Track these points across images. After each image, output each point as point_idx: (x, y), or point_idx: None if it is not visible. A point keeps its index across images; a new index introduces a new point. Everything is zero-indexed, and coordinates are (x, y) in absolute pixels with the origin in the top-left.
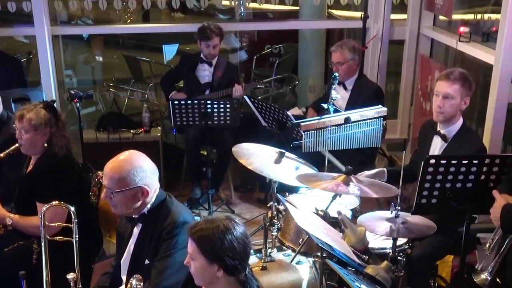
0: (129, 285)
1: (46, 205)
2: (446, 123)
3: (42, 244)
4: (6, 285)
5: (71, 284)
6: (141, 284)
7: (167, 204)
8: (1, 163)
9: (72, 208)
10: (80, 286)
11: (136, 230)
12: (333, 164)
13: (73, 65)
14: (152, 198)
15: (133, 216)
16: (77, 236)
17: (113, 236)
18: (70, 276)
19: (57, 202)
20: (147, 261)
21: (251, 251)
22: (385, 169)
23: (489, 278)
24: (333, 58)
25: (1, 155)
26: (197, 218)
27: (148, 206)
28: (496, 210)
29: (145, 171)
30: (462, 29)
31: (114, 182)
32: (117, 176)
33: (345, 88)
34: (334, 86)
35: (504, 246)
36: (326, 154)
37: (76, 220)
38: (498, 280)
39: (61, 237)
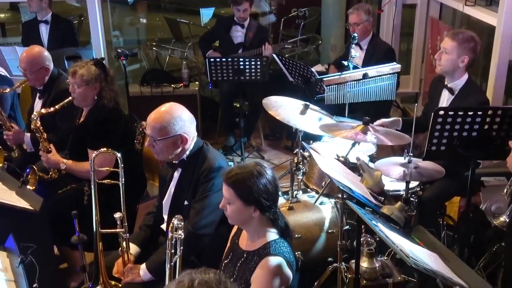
0: (171, 225)
1: (96, 151)
2: (451, 77)
3: (92, 186)
4: (60, 224)
5: (118, 222)
6: (182, 223)
7: (204, 151)
8: (55, 115)
9: (119, 154)
10: (126, 224)
11: (176, 174)
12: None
13: (120, 27)
14: (190, 145)
15: (174, 162)
16: (123, 179)
17: (156, 179)
18: (117, 215)
19: (105, 149)
20: (186, 202)
21: (279, 192)
22: (400, 118)
23: (507, 220)
24: (350, 19)
25: (57, 107)
26: (231, 164)
27: (187, 152)
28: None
29: (183, 120)
30: None
31: (156, 131)
32: (159, 126)
33: (360, 48)
34: (353, 45)
35: None
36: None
37: (122, 165)
38: None
39: (109, 180)
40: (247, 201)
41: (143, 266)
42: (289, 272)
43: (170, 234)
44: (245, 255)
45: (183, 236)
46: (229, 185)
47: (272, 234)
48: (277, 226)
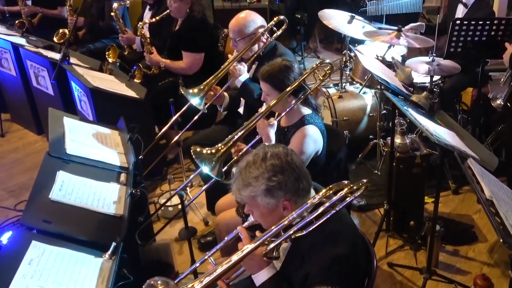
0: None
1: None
2: None
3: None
4: (160, 109)
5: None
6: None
7: (277, 47)
8: (156, 24)
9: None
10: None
11: (254, 66)
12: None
13: None
14: (265, 43)
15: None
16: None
17: None
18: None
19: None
20: None
21: (331, 84)
22: (424, 24)
23: (502, 103)
24: None
25: (157, 18)
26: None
27: (263, 49)
28: (507, 56)
29: (256, 23)
30: None
31: (236, 33)
32: (238, 28)
33: None
34: None
35: None
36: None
37: None
38: (508, 104)
39: None
40: (281, 89)
41: (246, 75)
42: (321, 139)
43: None
44: (285, 130)
45: None
46: (264, 80)
47: (306, 110)
48: (309, 104)
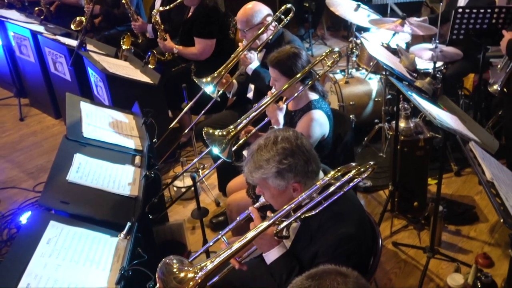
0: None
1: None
2: None
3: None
4: (173, 94)
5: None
6: None
7: (284, 35)
8: (170, 11)
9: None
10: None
11: (261, 54)
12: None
13: None
14: (273, 32)
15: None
16: None
17: None
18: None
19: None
20: None
21: (338, 70)
22: (427, 17)
23: (499, 89)
24: None
25: (171, 6)
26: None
27: (270, 37)
28: (504, 43)
29: (263, 13)
30: None
31: (244, 23)
32: (245, 19)
33: None
34: None
35: (509, 67)
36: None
37: None
38: (505, 89)
39: None
40: (289, 75)
41: (257, 63)
42: (327, 123)
43: None
44: (292, 114)
45: None
46: (273, 66)
47: (313, 95)
48: (316, 90)
